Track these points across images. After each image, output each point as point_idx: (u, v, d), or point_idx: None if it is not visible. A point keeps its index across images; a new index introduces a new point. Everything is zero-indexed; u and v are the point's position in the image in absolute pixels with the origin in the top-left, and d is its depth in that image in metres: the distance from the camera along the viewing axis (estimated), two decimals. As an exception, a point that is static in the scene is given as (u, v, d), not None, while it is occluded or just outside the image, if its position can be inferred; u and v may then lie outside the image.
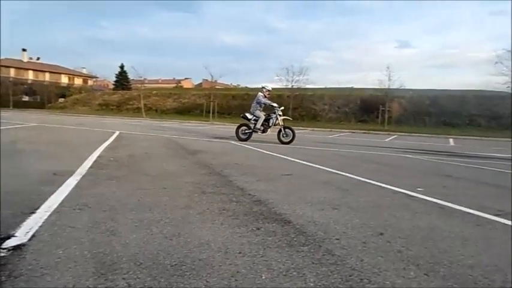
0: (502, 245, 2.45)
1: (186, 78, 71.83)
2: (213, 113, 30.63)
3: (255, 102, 11.05)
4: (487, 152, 12.09)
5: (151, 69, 76.18)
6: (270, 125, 10.90)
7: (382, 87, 27.66)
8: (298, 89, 30.06)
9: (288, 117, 11.51)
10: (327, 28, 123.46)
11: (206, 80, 42.10)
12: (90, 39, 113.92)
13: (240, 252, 2.10)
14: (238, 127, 11.34)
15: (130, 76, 48.09)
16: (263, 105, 11.02)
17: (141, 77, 37.22)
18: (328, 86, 39.08)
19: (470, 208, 3.47)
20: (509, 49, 23.22)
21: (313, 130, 23.46)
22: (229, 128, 21.54)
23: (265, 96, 11.00)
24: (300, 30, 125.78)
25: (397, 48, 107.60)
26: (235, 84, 64.83)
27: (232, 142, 10.70)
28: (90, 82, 62.79)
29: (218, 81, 43.37)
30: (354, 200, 3.67)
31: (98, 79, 64.43)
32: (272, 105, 10.84)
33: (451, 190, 4.52)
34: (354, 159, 7.90)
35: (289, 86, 29.59)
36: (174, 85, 61.67)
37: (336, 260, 2.04)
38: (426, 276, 1.89)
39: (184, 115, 34.17)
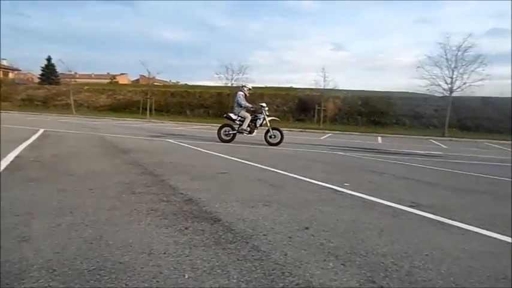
0: (412, 234, 2.69)
1: (121, 74, 68.43)
2: (150, 111, 29.62)
3: (236, 103, 10.64)
4: (409, 149, 13.16)
5: (83, 63, 71.62)
6: (257, 125, 10.56)
7: (318, 87, 28.83)
8: (238, 87, 30.21)
9: (275, 118, 11.19)
10: (267, 28, 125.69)
11: (143, 76, 40.55)
12: (12, 28, 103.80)
13: (164, 253, 2.05)
14: (221, 128, 10.81)
15: (59, 70, 44.55)
16: (244, 108, 10.53)
17: (70, 71, 34.78)
18: (268, 85, 39.84)
19: (389, 201, 3.75)
20: (430, 55, 25.44)
21: (252, 128, 23.75)
22: (167, 126, 21.01)
23: (246, 95, 10.67)
24: (240, 29, 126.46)
25: (333, 50, 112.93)
26: (174, 81, 63.35)
27: (170, 140, 10.45)
28: (11, 75, 57.15)
29: (156, 78, 42.04)
30: (285, 196, 3.78)
31: (21, 72, 58.86)
32: (261, 105, 10.54)
33: (374, 185, 4.84)
34: (289, 157, 8.14)
35: (229, 85, 29.59)
36: (109, 81, 58.48)
37: (261, 256, 2.09)
38: (343, 266, 2.00)
39: (119, 112, 32.58)
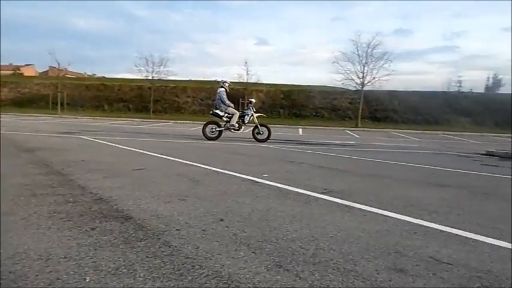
0: (320, 218, 2.86)
1: (27, 65, 61.61)
2: (62, 105, 27.19)
3: (218, 99, 10.38)
4: (326, 139, 13.99)
5: (-22, 51, 62.75)
6: (246, 122, 10.40)
7: (242, 81, 29.12)
8: (160, 80, 29.14)
9: (262, 114, 11.08)
10: (188, 20, 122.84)
11: (53, 67, 36.96)
12: None
13: (65, 257, 1.91)
14: (206, 125, 10.39)
15: None
16: (226, 106, 10.35)
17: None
18: (193, 79, 39.15)
19: (303, 189, 3.95)
20: (344, 51, 27.22)
21: (176, 123, 23.18)
22: (81, 121, 19.54)
23: (227, 91, 10.48)
24: (161, 20, 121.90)
25: (256, 45, 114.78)
26: (90, 74, 58.90)
27: (84, 137, 9.73)
28: None
29: (69, 70, 38.64)
30: (203, 190, 3.76)
31: None
32: (250, 101, 10.61)
33: (291, 174, 5.06)
34: (211, 150, 8.11)
35: (150, 77, 28.42)
36: (11, 72, 52.25)
37: (171, 251, 2.05)
38: (253, 254, 2.06)
39: (24, 107, 29.33)
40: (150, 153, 6.68)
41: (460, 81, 34.92)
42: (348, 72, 26.52)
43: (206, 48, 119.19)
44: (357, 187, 4.33)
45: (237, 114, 10.44)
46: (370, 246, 2.27)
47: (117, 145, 7.95)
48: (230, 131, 10.43)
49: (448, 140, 16.64)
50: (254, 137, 10.61)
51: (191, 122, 23.95)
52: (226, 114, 10.45)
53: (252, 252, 2.08)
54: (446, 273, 1.92)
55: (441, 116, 29.08)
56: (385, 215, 3.03)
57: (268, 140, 10.60)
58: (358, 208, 3.25)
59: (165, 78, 29.32)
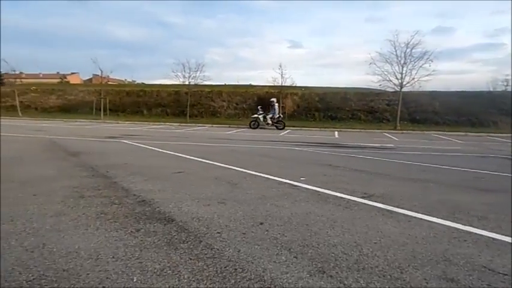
0: (362, 223, 2.79)
1: (72, 73, 65.23)
2: (104, 111, 28.43)
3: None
4: (363, 142, 13.65)
5: (29, 62, 67.30)
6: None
7: (276, 84, 29.11)
8: (196, 85, 29.76)
9: None
10: (222, 25, 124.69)
11: (96, 75, 38.83)
12: None
13: (113, 257, 1.98)
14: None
15: (2, 70, 41.62)
16: None
17: (15, 71, 32.51)
18: (227, 83, 39.66)
19: (342, 193, 3.87)
20: (381, 52, 26.48)
21: (211, 126, 23.53)
22: (123, 126, 20.30)
23: None
24: (194, 26, 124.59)
25: (290, 48, 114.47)
26: (130, 80, 61.34)
27: (125, 141, 10.10)
28: None
29: (111, 77, 40.46)
30: (241, 193, 3.78)
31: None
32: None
33: (329, 178, 4.97)
34: (247, 154, 8.16)
35: (187, 83, 29.08)
36: (59, 80, 55.47)
37: (214, 254, 2.07)
38: (295, 259, 2.03)
39: (71, 113, 30.96)
40: (188, 157, 6.81)
41: (507, 80, 32.84)
42: (386, 73, 25.73)
43: (239, 52, 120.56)
44: (399, 191, 4.18)
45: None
46: (417, 253, 2.18)
47: (156, 149, 8.19)
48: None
49: (494, 142, 15.71)
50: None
51: (226, 125, 24.24)
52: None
53: (294, 257, 2.06)
54: (502, 284, 1.80)
55: (486, 117, 27.50)
56: (430, 221, 2.90)
57: (303, 144, 10.51)
58: (401, 213, 3.13)
59: (200, 83, 29.89)
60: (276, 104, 20.01)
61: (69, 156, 6.44)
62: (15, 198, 3.23)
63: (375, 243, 2.35)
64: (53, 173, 4.60)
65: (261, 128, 17.82)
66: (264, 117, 18.67)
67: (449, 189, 4.52)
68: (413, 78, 25.25)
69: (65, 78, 59.42)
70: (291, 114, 30.64)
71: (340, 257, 2.08)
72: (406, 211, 3.19)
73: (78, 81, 58.72)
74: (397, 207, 3.33)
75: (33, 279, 1.69)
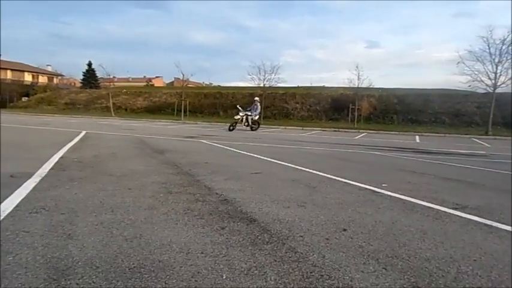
0: (457, 237, 2.55)
1: (157, 77, 70.54)
2: (184, 112, 30.23)
3: None
4: (450, 148, 12.59)
5: (120, 67, 74.65)
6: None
7: (352, 86, 28.20)
8: (270, 87, 30.15)
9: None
10: (297, 27, 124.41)
11: (178, 78, 41.45)
12: (55, 36, 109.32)
13: (202, 253, 2.07)
14: None
15: (99, 74, 46.58)
16: None
17: (109, 75, 36.18)
18: (300, 85, 39.52)
19: (430, 202, 3.59)
20: (471, 50, 24.17)
21: (285, 128, 23.63)
22: (201, 126, 21.34)
23: None
24: (270, 29, 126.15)
25: (367, 48, 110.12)
26: (207, 83, 64.36)
27: (204, 141, 10.60)
28: (55, 80, 60.32)
29: (190, 80, 42.88)
30: (321, 197, 3.71)
31: (64, 77, 61.99)
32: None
33: (414, 185, 4.66)
34: (323, 157, 8.02)
35: (261, 85, 29.61)
36: (145, 83, 60.39)
37: (298, 257, 2.05)
38: (385, 270, 1.93)
39: (155, 114, 33.51)
40: (264, 158, 6.91)
41: None
42: (476, 72, 23.40)
43: (313, 53, 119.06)
44: (496, 203, 3.76)
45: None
46: (528, 276, 1.92)
47: (233, 149, 8.45)
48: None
49: None
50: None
51: (300, 127, 24.16)
52: None
53: (383, 268, 1.95)
54: None
55: None
56: (540, 240, 2.55)
57: (381, 148, 10.00)
58: (502, 229, 2.81)
59: (275, 85, 30.22)
60: (259, 104, 18.40)
61: (155, 154, 6.94)
62: (114, 191, 3.56)
63: (475, 260, 2.13)
64: (143, 169, 5.00)
65: (238, 130, 16.72)
66: (246, 117, 17.00)
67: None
68: (509, 78, 22.61)
69: (150, 81, 64.52)
70: (367, 117, 29.45)
71: (436, 272, 1.92)
72: (507, 226, 2.86)
73: (161, 84, 63.31)
74: (497, 221, 2.99)
75: (134, 267, 1.84)
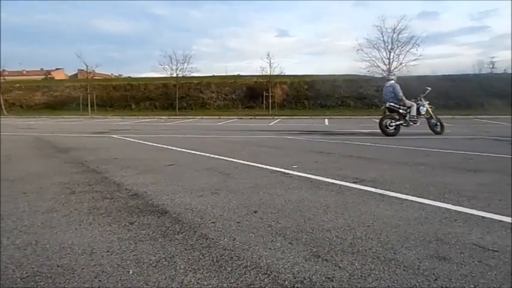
0: (355, 208, 2.82)
1: (57, 69, 64.09)
2: (92, 106, 28.07)
3: (390, 93, 10.16)
4: (354, 129, 13.74)
5: (11, 59, 65.74)
6: (422, 113, 10.08)
7: (265, 73, 29.01)
8: (184, 77, 29.51)
9: (431, 106, 10.59)
10: (209, 15, 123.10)
11: (82, 70, 38.20)
12: None
13: (107, 251, 1.97)
14: (382, 120, 10.14)
15: (-16, 67, 40.68)
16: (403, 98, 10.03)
17: (-2, 68, 31.87)
18: (216, 74, 39.36)
19: (334, 179, 3.90)
20: (368, 38, 26.51)
21: (202, 118, 23.44)
22: (111, 121, 20.07)
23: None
24: (182, 17, 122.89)
25: (277, 36, 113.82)
26: (116, 74, 60.53)
27: (114, 136, 10.00)
28: None
29: (96, 72, 39.85)
30: (234, 183, 3.78)
31: None
32: (426, 88, 10.30)
33: (321, 165, 5.00)
34: (239, 144, 8.15)
35: (174, 75, 28.81)
36: (43, 77, 54.47)
37: (209, 243, 2.07)
38: (290, 245, 2.05)
39: (57, 110, 30.51)
40: (179, 149, 6.78)
41: (492, 63, 33.23)
42: (374, 59, 25.85)
43: (227, 42, 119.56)
44: (390, 175, 4.23)
45: (415, 106, 10.05)
46: (409, 234, 2.21)
47: (146, 142, 8.13)
48: (410, 124, 10.05)
49: (482, 124, 15.96)
50: (432, 129, 10.21)
51: (217, 117, 24.17)
52: (402, 107, 10.07)
53: (289, 243, 2.07)
54: (492, 260, 1.84)
55: (473, 99, 27.88)
56: (421, 203, 2.94)
57: (294, 132, 10.53)
58: (393, 196, 3.17)
59: (188, 75, 29.65)
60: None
61: (58, 153, 6.35)
62: (5, 196, 3.18)
63: (368, 226, 2.38)
64: (43, 170, 4.54)
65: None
66: (418, 108, 12.42)
67: (439, 171, 4.58)
68: (401, 63, 25.42)
69: (50, 74, 58.36)
70: (281, 103, 30.65)
71: (335, 241, 2.11)
72: (397, 194, 3.23)
73: (63, 77, 57.64)
74: (389, 190, 3.37)
75: (27, 276, 1.68)
